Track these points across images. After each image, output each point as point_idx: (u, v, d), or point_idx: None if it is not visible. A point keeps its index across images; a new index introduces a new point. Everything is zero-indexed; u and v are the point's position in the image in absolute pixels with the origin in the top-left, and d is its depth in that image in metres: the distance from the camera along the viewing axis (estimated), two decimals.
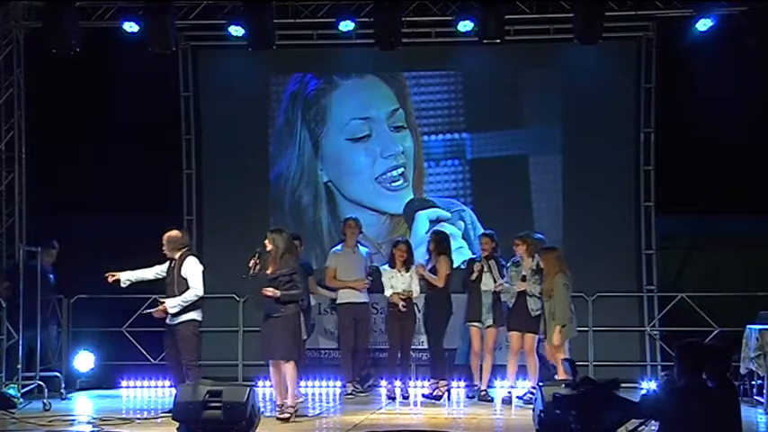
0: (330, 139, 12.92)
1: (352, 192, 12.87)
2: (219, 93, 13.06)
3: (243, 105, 12.98)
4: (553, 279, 10.40)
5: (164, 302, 9.74)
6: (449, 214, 12.67)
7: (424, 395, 11.17)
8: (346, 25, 11.84)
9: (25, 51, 11.84)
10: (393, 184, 12.78)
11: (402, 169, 12.75)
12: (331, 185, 12.95)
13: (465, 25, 11.62)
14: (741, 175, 12.25)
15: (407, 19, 11.86)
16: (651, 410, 6.39)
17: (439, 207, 12.72)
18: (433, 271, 11.00)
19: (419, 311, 11.60)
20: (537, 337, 10.70)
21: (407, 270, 11.13)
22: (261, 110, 13.04)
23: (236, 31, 11.74)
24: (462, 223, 12.68)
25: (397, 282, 11.09)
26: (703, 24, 11.38)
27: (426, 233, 12.43)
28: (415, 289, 11.11)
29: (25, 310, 10.85)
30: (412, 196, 12.82)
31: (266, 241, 9.68)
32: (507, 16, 11.34)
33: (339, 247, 11.65)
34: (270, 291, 9.55)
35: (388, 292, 11.11)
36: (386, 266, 11.24)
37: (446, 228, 12.18)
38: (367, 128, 12.78)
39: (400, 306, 10.95)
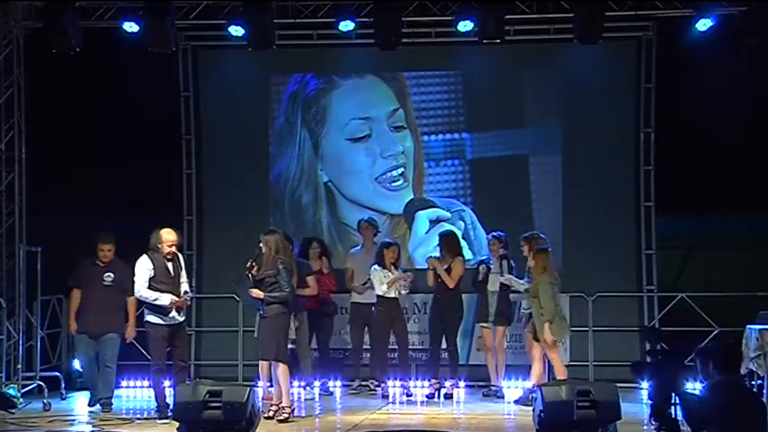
0: (330, 139, 12.91)
1: (352, 192, 12.87)
2: (219, 93, 13.06)
3: (243, 105, 12.98)
4: (539, 278, 10.45)
5: (188, 293, 9.81)
6: (449, 214, 12.66)
7: (445, 395, 11.21)
8: (346, 25, 11.83)
9: (25, 51, 11.83)
10: (393, 184, 12.77)
11: (402, 169, 12.75)
12: (331, 185, 12.95)
13: (465, 25, 11.60)
14: (741, 175, 12.23)
15: (407, 19, 11.84)
16: (702, 412, 6.41)
17: (439, 207, 12.71)
18: (446, 271, 11.13)
19: (418, 311, 11.64)
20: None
21: (397, 270, 11.23)
22: (261, 110, 13.04)
23: (236, 31, 11.73)
24: (462, 223, 12.67)
25: (386, 280, 11.15)
26: (703, 24, 11.37)
27: (426, 233, 12.47)
28: (403, 290, 11.22)
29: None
30: (412, 196, 12.81)
31: (261, 243, 9.73)
32: (507, 16, 11.32)
33: (357, 248, 11.75)
34: (255, 292, 9.63)
35: (379, 290, 11.18)
36: (376, 266, 11.25)
37: (444, 228, 12.19)
38: (367, 128, 12.78)
39: (407, 283, 11.11)
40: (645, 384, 7.44)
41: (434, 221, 12.64)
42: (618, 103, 12.70)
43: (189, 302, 9.83)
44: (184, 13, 11.83)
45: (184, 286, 9.88)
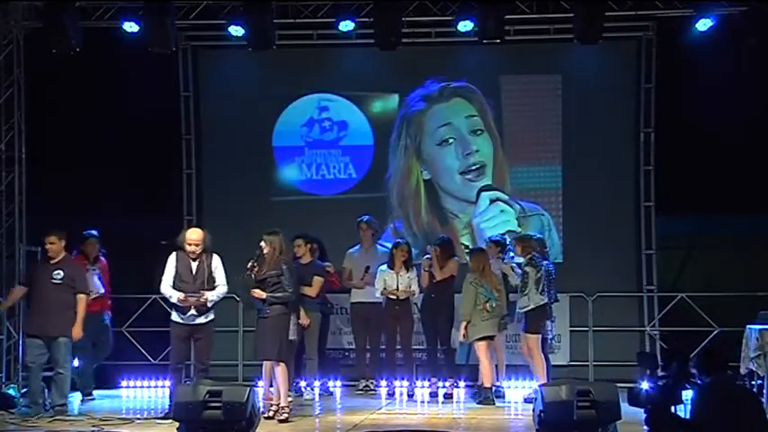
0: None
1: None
2: (219, 93, 13.07)
3: (243, 105, 12.98)
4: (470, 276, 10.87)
5: (204, 294, 9.59)
6: (506, 196, 12.77)
7: (445, 395, 11.20)
8: (346, 25, 11.85)
9: (25, 51, 11.84)
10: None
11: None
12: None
13: (465, 25, 11.62)
14: (741, 175, 12.24)
15: (407, 19, 11.86)
16: (695, 419, 6.41)
17: (500, 191, 12.83)
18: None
19: (419, 311, 11.66)
20: (535, 336, 10.76)
21: (408, 270, 11.20)
22: (261, 110, 13.04)
23: (236, 31, 11.74)
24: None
25: (392, 282, 11.22)
26: (703, 24, 11.38)
27: (484, 210, 12.74)
28: (415, 289, 11.21)
29: None
30: None
31: (262, 243, 9.70)
32: (507, 16, 11.33)
33: (355, 248, 11.77)
34: (257, 292, 9.61)
35: (378, 293, 11.27)
36: (384, 267, 11.30)
37: (500, 206, 12.62)
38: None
39: (399, 296, 11.15)
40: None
41: (494, 200, 12.81)
42: (618, 103, 12.72)
43: (202, 302, 9.59)
44: (184, 13, 11.84)
45: (219, 289, 9.67)
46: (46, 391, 10.77)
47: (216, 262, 9.79)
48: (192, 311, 9.61)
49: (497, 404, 10.81)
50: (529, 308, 10.70)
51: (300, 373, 11.24)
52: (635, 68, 12.59)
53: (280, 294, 9.60)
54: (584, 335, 12.09)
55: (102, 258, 11.18)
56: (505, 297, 10.90)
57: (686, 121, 12.33)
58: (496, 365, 11.27)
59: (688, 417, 6.46)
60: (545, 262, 10.96)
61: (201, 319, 9.66)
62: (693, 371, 6.66)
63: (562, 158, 12.71)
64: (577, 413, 8.16)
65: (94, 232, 11.09)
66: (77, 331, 10.09)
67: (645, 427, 6.39)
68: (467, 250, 11.74)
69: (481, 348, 10.80)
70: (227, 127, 13.03)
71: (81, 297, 10.06)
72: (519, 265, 10.86)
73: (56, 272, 9.99)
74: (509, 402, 10.93)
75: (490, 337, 10.84)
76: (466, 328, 10.79)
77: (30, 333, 10.14)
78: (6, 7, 11.72)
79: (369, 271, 11.50)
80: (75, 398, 11.06)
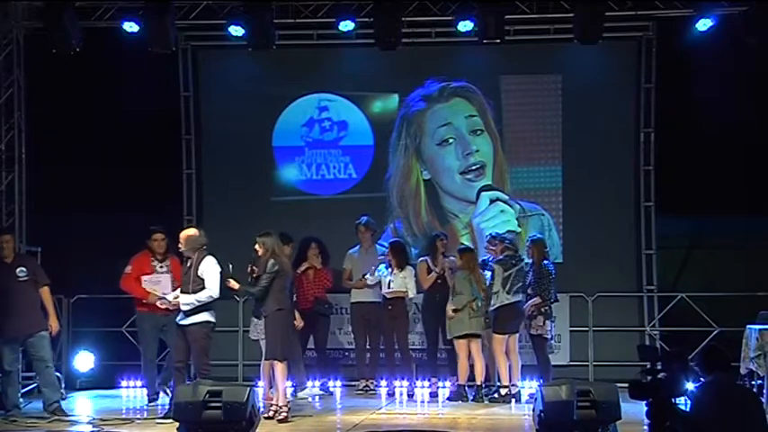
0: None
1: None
2: (219, 93, 13.07)
3: (243, 105, 12.99)
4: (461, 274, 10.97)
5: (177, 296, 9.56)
6: (506, 196, 12.78)
7: (448, 397, 11.19)
8: (346, 25, 11.86)
9: (25, 51, 11.85)
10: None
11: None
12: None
13: (465, 25, 11.63)
14: (741, 174, 12.24)
15: (407, 19, 11.87)
16: (695, 417, 6.41)
17: (500, 191, 12.82)
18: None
19: (419, 311, 11.67)
20: (501, 337, 10.87)
21: (402, 270, 11.26)
22: (261, 110, 13.05)
23: (236, 31, 11.75)
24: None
25: (385, 281, 11.28)
26: (703, 24, 11.39)
27: (484, 209, 12.76)
28: (411, 288, 11.23)
29: None
30: None
31: (256, 246, 9.70)
32: (507, 16, 11.34)
33: (355, 248, 11.81)
34: (231, 283, 9.63)
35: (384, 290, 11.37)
36: (382, 266, 11.38)
37: (500, 206, 12.62)
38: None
39: (387, 295, 11.24)
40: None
41: (494, 200, 12.82)
42: (618, 103, 12.72)
43: (167, 305, 9.61)
44: (184, 13, 11.85)
45: (203, 292, 9.43)
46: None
47: (205, 264, 9.52)
48: (181, 313, 9.57)
49: (496, 404, 10.83)
50: (494, 306, 10.76)
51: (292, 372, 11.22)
52: (635, 68, 12.59)
53: (250, 288, 9.66)
54: (584, 335, 12.09)
55: (176, 256, 10.47)
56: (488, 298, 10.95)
57: (686, 121, 12.33)
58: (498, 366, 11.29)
59: (687, 417, 6.45)
60: (545, 261, 10.99)
61: (184, 321, 9.54)
62: (694, 366, 6.66)
63: (562, 158, 12.72)
64: (577, 413, 8.16)
65: (161, 227, 10.68)
66: (55, 324, 10.12)
67: (646, 420, 6.38)
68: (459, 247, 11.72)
69: (461, 346, 10.87)
70: (227, 127, 13.04)
71: (45, 290, 10.04)
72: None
73: (19, 269, 9.93)
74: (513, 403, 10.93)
75: (473, 336, 10.86)
76: (453, 312, 10.88)
77: (3, 337, 9.94)
78: (6, 7, 11.74)
79: (365, 276, 11.51)
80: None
